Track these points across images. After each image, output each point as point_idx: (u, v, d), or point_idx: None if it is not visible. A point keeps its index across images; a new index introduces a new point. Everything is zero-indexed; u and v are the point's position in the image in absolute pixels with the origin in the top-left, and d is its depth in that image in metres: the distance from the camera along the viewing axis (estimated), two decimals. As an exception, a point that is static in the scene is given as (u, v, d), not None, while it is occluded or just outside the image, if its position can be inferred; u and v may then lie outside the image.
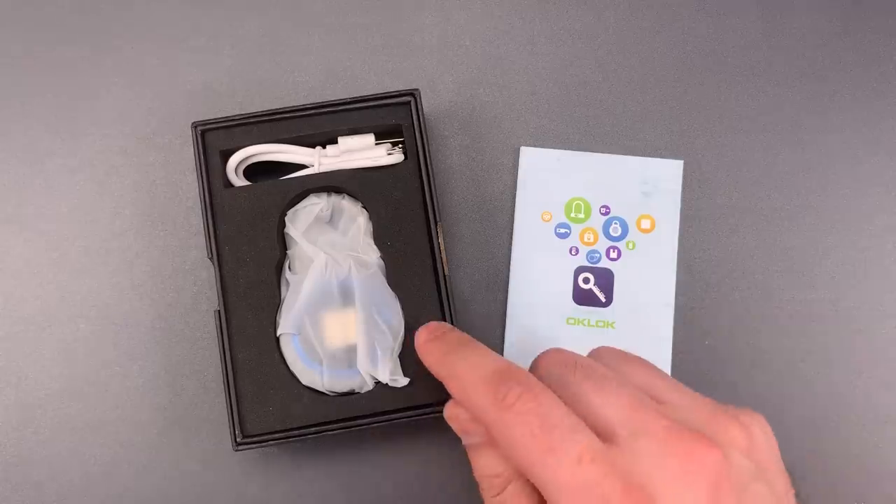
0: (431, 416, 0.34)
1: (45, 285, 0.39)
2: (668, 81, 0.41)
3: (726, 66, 0.41)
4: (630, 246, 0.39)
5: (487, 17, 0.42)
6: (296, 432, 0.34)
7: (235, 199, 0.36)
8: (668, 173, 0.40)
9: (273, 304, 0.36)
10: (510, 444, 0.25)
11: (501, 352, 0.39)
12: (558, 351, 0.28)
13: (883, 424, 0.38)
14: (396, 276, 0.36)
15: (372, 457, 0.38)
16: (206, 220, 0.36)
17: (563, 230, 0.39)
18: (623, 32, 0.41)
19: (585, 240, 0.39)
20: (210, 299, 0.39)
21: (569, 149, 0.40)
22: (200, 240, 0.39)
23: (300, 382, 0.35)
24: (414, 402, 0.35)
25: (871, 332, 0.39)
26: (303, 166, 0.37)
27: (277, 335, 0.35)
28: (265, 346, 0.35)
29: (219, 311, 0.35)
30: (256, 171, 0.38)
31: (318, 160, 0.37)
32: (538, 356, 0.29)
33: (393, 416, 0.34)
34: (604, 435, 0.25)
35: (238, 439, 0.34)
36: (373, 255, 0.36)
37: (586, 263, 0.39)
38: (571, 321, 0.39)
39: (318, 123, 0.37)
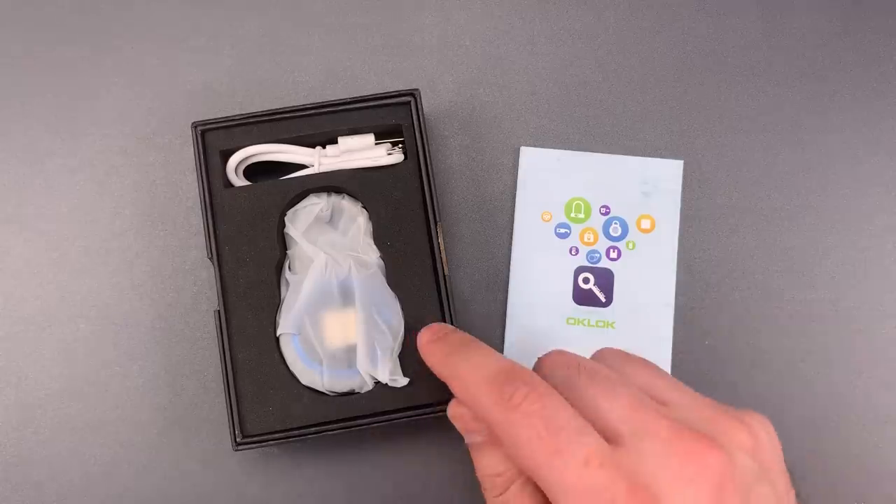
0: (431, 416, 0.34)
1: (45, 285, 0.39)
2: (668, 81, 0.41)
3: (726, 66, 0.41)
4: (630, 246, 0.39)
5: (487, 17, 0.42)
6: (296, 432, 0.34)
7: (235, 199, 0.36)
8: (668, 173, 0.40)
9: (273, 304, 0.36)
10: (515, 445, 0.25)
11: (501, 352, 0.39)
12: (561, 352, 0.28)
13: (883, 424, 0.38)
14: (396, 276, 0.36)
15: (372, 457, 0.38)
16: (206, 220, 0.36)
17: (563, 230, 0.39)
18: (623, 32, 0.41)
19: (585, 240, 0.39)
20: (210, 299, 0.39)
21: (569, 149, 0.40)
22: (200, 240, 0.39)
23: (300, 382, 0.35)
24: (414, 402, 0.35)
25: (871, 332, 0.39)
26: (303, 166, 0.37)
27: (277, 335, 0.35)
28: (265, 346, 0.35)
29: (219, 311, 0.35)
30: (256, 171, 0.38)
31: (318, 160, 0.37)
32: (541, 358, 0.29)
33: (393, 416, 0.34)
34: (608, 436, 0.25)
35: (238, 439, 0.34)
36: (373, 255, 0.36)
37: (586, 263, 0.39)
38: (571, 321, 0.39)
39: (318, 123, 0.37)
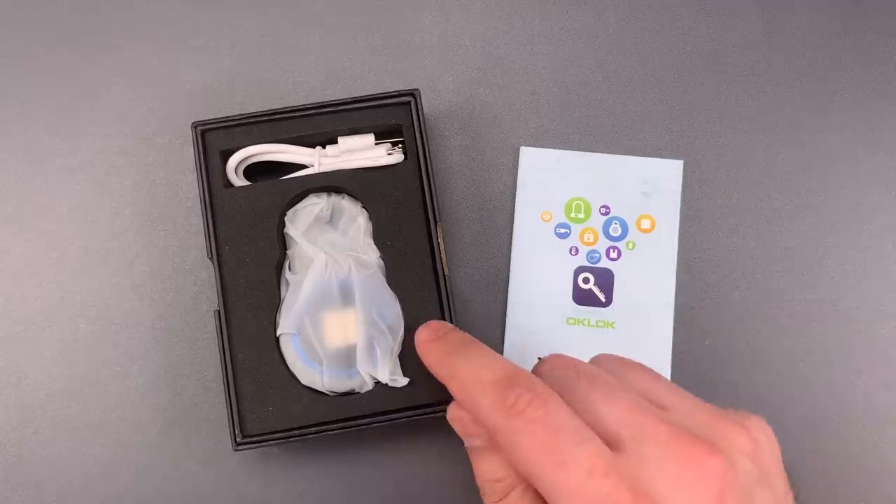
0: (431, 416, 0.34)
1: (45, 285, 0.39)
2: (668, 81, 0.41)
3: (726, 66, 0.41)
4: (630, 246, 0.39)
5: (487, 17, 0.42)
6: (296, 432, 0.34)
7: (235, 199, 0.36)
8: (668, 173, 0.40)
9: (273, 304, 0.36)
10: (517, 452, 0.25)
11: (501, 352, 0.39)
12: (560, 356, 0.28)
13: (883, 424, 0.38)
14: (396, 276, 0.36)
15: (372, 457, 0.38)
16: (206, 220, 0.36)
17: (563, 230, 0.39)
18: (623, 32, 0.41)
19: (585, 240, 0.39)
20: (210, 299, 0.39)
21: (569, 149, 0.40)
22: (200, 240, 0.39)
23: (300, 382, 0.35)
24: (414, 402, 0.35)
25: (871, 332, 0.39)
26: (303, 166, 0.37)
27: (277, 335, 0.35)
28: (265, 346, 0.35)
29: (219, 311, 0.35)
30: (256, 171, 0.38)
31: (318, 160, 0.37)
32: (540, 362, 0.29)
33: (393, 416, 0.34)
34: (609, 440, 0.24)
35: (238, 439, 0.34)
36: (373, 255, 0.36)
37: (586, 263, 0.39)
38: (571, 321, 0.39)
39: (318, 123, 0.37)
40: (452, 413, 0.29)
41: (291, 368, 0.35)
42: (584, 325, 0.39)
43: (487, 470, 0.27)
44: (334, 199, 0.37)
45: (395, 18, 0.42)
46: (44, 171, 0.40)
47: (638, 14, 0.42)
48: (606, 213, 0.39)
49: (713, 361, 0.39)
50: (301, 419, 0.34)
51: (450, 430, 0.30)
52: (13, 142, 0.40)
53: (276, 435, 0.34)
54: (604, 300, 0.39)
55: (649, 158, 0.40)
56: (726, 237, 0.40)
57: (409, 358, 0.35)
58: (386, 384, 0.35)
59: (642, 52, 0.41)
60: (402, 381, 0.34)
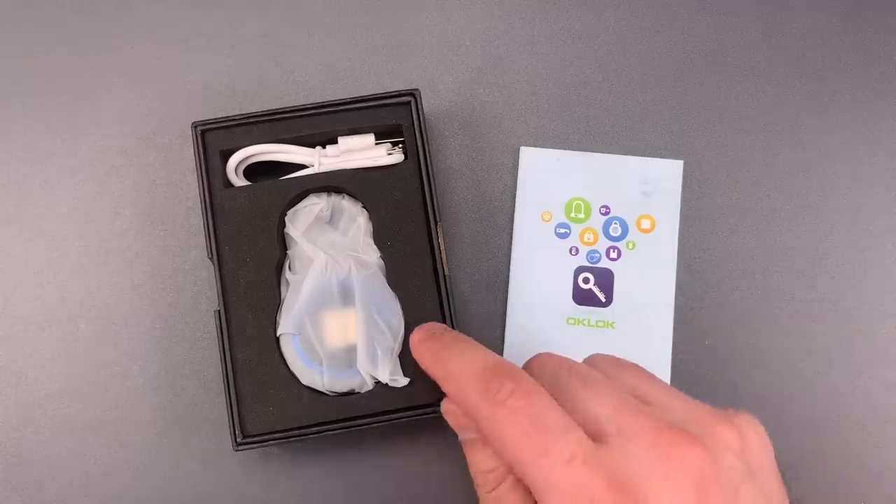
0: (431, 416, 0.34)
1: (45, 285, 0.39)
2: (668, 81, 0.41)
3: (726, 66, 0.41)
4: (630, 246, 0.39)
5: (487, 17, 0.42)
6: (296, 432, 0.34)
7: (235, 199, 0.36)
8: (668, 173, 0.40)
9: (273, 304, 0.36)
10: (500, 441, 0.25)
11: (501, 352, 0.39)
12: (551, 355, 0.29)
13: (883, 424, 0.38)
14: (396, 276, 0.36)
15: (372, 457, 0.38)
16: (206, 220, 0.36)
17: (563, 230, 0.39)
18: (623, 32, 0.41)
19: (585, 240, 0.39)
20: (210, 299, 0.39)
21: (569, 149, 0.40)
22: (200, 240, 0.39)
23: (300, 382, 0.35)
24: (414, 402, 0.35)
25: (871, 332, 0.39)
26: (303, 166, 0.37)
27: (277, 335, 0.35)
28: (265, 346, 0.35)
29: (219, 311, 0.35)
30: (256, 171, 0.38)
31: (318, 160, 0.37)
32: (530, 359, 0.29)
33: (393, 416, 0.34)
34: (594, 436, 0.25)
35: (238, 439, 0.34)
36: (373, 255, 0.36)
37: (586, 263, 0.39)
38: (571, 321, 0.39)
39: (318, 123, 0.37)
40: (445, 405, 0.30)
41: (291, 368, 0.35)
42: (584, 325, 0.39)
43: (480, 461, 0.28)
44: (334, 199, 0.37)
45: (395, 18, 0.42)
46: (44, 171, 0.40)
47: (638, 14, 0.42)
48: (606, 213, 0.39)
49: (713, 361, 0.39)
50: (301, 419, 0.34)
51: (450, 431, 0.30)
52: (13, 142, 0.40)
53: (276, 435, 0.34)
54: (604, 300, 0.39)
55: (649, 158, 0.40)
56: (726, 237, 0.40)
57: (409, 358, 0.35)
58: (386, 384, 0.35)
59: (642, 52, 0.41)
60: (403, 381, 0.34)
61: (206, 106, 0.41)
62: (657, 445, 0.24)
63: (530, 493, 0.26)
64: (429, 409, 0.34)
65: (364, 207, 0.37)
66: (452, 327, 0.35)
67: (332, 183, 0.37)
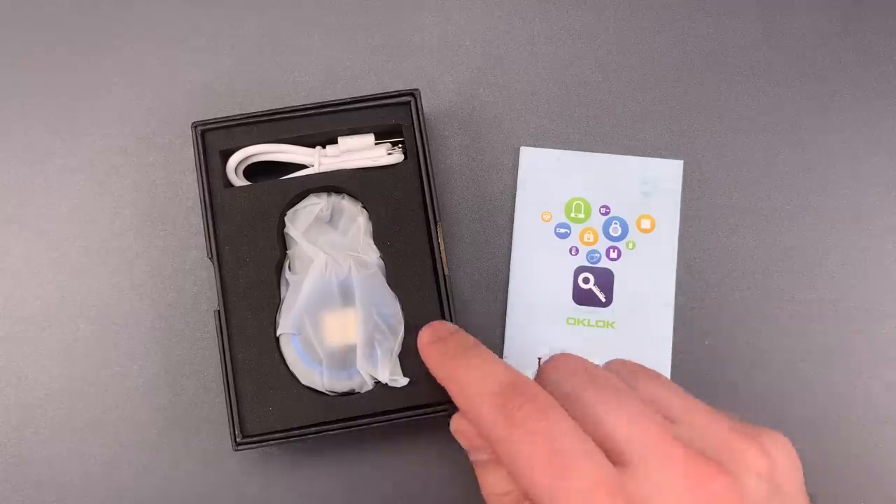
0: (431, 416, 0.34)
1: (45, 285, 0.39)
2: (668, 81, 0.41)
3: (726, 66, 0.41)
4: (630, 246, 0.39)
5: (487, 17, 0.42)
6: (296, 432, 0.34)
7: (235, 199, 0.36)
8: (668, 173, 0.40)
9: (273, 304, 0.36)
10: (517, 465, 0.24)
11: (501, 352, 0.39)
12: (566, 357, 0.27)
13: (883, 424, 0.38)
14: (396, 276, 0.36)
15: (372, 457, 0.38)
16: (206, 220, 0.36)
17: (563, 230, 0.39)
18: (623, 32, 0.41)
19: (585, 240, 0.39)
20: (210, 299, 0.39)
21: (569, 149, 0.40)
22: (200, 240, 0.39)
23: (300, 382, 0.35)
24: (414, 402, 0.35)
25: (871, 332, 0.39)
26: (303, 166, 0.37)
27: (277, 335, 0.35)
28: (265, 346, 0.35)
29: (219, 311, 0.35)
30: (256, 171, 0.38)
31: (318, 160, 0.37)
32: (546, 362, 0.28)
33: (393, 416, 0.34)
34: (614, 455, 0.24)
35: (238, 439, 0.34)
36: (373, 255, 0.36)
37: (586, 263, 0.39)
38: (571, 321, 0.39)
39: (318, 123, 0.37)
40: (456, 425, 0.28)
41: (291, 368, 0.35)
42: (585, 325, 0.39)
43: (493, 483, 0.27)
44: (334, 199, 0.37)
45: (395, 18, 0.42)
46: (44, 171, 0.40)
47: (638, 14, 0.42)
48: (606, 213, 0.39)
49: (713, 361, 0.39)
50: (301, 419, 0.34)
51: (450, 431, 0.30)
52: (13, 142, 0.40)
53: (276, 435, 0.34)
54: (604, 300, 0.39)
55: (649, 158, 0.40)
56: (726, 237, 0.40)
57: (409, 358, 0.35)
58: (386, 384, 0.35)
59: (642, 52, 0.41)
60: (402, 381, 0.34)
61: (206, 106, 0.41)
62: (681, 475, 0.23)
63: None
64: (429, 410, 0.34)
65: (364, 207, 0.37)
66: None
67: (332, 183, 0.37)
